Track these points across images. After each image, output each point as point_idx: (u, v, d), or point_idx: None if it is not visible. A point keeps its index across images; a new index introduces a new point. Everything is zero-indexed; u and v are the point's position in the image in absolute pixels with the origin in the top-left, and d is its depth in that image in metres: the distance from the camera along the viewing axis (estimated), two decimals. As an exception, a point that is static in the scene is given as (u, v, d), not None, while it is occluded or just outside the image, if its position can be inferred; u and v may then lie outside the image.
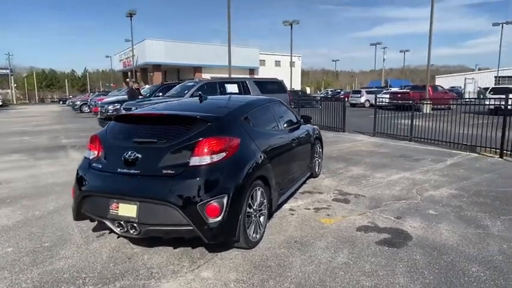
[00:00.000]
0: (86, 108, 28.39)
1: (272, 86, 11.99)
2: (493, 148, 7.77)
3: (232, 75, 21.57)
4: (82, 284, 2.86)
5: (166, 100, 10.06)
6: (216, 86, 10.99)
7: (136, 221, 3.00)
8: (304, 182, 5.47)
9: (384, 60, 57.21)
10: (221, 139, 3.19)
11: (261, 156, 3.57)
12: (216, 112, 3.58)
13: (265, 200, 3.64)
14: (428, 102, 15.37)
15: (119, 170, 3.15)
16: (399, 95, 21.63)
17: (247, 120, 3.76)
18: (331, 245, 3.48)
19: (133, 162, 3.11)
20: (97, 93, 35.46)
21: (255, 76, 41.16)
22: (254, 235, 3.42)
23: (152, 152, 3.14)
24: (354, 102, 29.24)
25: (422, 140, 9.57)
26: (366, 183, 5.66)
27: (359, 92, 31.28)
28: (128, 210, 3.03)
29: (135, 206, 3.01)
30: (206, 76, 37.58)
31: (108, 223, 3.16)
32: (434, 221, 4.04)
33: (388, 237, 3.65)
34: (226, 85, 11.16)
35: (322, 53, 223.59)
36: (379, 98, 12.16)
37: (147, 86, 18.29)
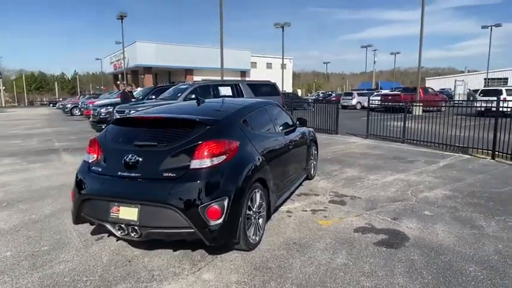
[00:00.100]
0: (76, 111, 28.13)
1: (265, 89, 12.05)
2: (484, 149, 7.92)
3: (224, 78, 21.61)
4: (83, 287, 2.85)
5: (160, 103, 10.06)
6: (210, 89, 11.02)
7: (138, 223, 3.00)
8: (300, 184, 5.51)
9: (374, 63, 57.79)
10: (221, 142, 3.21)
11: (259, 159, 3.60)
12: (215, 115, 3.60)
13: (264, 202, 3.67)
14: (420, 104, 15.57)
15: (119, 173, 3.15)
16: (390, 97, 21.88)
17: (246, 123, 3.79)
18: (329, 246, 3.52)
19: (134, 166, 3.12)
20: (87, 96, 35.15)
21: (247, 78, 41.28)
22: (254, 237, 3.45)
23: (153, 155, 3.15)
24: (345, 104, 29.48)
25: (414, 141, 9.71)
26: (361, 185, 5.72)
27: (350, 94, 31.58)
28: (129, 213, 3.04)
29: (136, 209, 3.02)
30: (197, 78, 37.54)
31: (108, 226, 3.15)
32: (430, 222, 4.11)
33: (385, 238, 3.71)
34: (219, 88, 11.19)
35: (313, 55, 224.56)
36: (372, 100, 12.25)
37: (139, 89, 18.18)
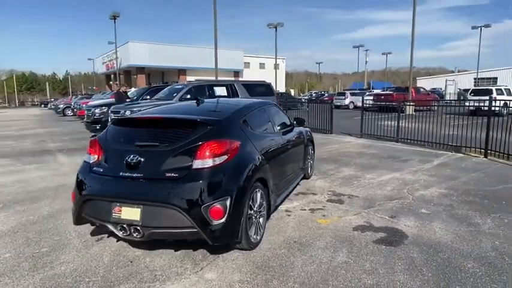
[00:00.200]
0: (69, 112, 27.88)
1: (260, 89, 12.07)
2: (477, 148, 8.05)
3: (218, 78, 21.59)
4: (86, 288, 2.85)
5: (155, 103, 10.03)
6: (205, 89, 11.01)
7: (140, 224, 3.01)
8: (297, 184, 5.54)
9: (366, 63, 58.26)
10: (222, 142, 3.23)
11: (259, 158, 3.63)
12: (216, 115, 3.62)
13: (264, 202, 3.69)
14: (413, 103, 15.73)
15: (121, 173, 3.15)
16: (383, 97, 22.06)
17: (246, 123, 3.82)
18: (330, 245, 3.56)
19: (136, 166, 3.12)
20: (80, 96, 34.84)
21: (240, 78, 41.27)
22: (255, 236, 3.47)
23: (154, 156, 3.16)
24: (338, 104, 29.61)
25: (408, 141, 9.81)
26: (357, 184, 5.78)
27: (343, 94, 31.76)
28: (131, 213, 3.04)
29: (139, 209, 3.02)
30: (191, 78, 37.43)
31: (110, 227, 3.15)
32: (428, 220, 4.17)
33: (384, 236, 3.76)
34: (214, 88, 11.18)
35: (306, 55, 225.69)
36: (366, 100, 12.36)
37: (133, 89, 18.09)
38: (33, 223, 4.30)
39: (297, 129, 5.45)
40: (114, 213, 3.09)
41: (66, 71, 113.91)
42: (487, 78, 50.27)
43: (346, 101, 29.70)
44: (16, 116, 31.27)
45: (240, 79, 39.59)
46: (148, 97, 12.54)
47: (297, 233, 3.86)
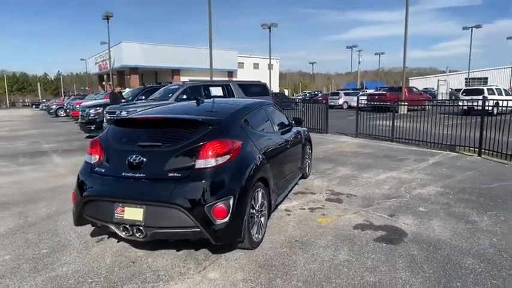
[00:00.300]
0: (61, 112, 27.64)
1: (256, 89, 12.08)
2: (471, 147, 8.15)
3: (212, 78, 21.55)
4: (90, 289, 2.84)
5: (151, 104, 9.99)
6: (201, 89, 10.98)
7: (143, 224, 3.00)
8: (296, 183, 5.57)
9: (359, 63, 58.65)
10: (225, 142, 3.24)
11: (260, 158, 3.64)
12: (217, 115, 3.63)
13: (265, 201, 3.71)
14: (406, 103, 15.86)
15: (123, 173, 3.14)
16: (376, 97, 22.21)
17: (247, 123, 3.83)
18: (331, 243, 3.59)
19: (138, 166, 3.12)
20: (73, 97, 34.54)
21: (234, 79, 41.23)
22: (257, 235, 3.49)
23: (157, 156, 3.16)
24: (332, 104, 29.69)
25: (403, 140, 9.90)
26: (355, 183, 5.82)
27: (337, 94, 31.91)
28: (134, 213, 3.03)
29: (142, 209, 3.02)
30: (184, 79, 37.30)
31: (112, 227, 3.14)
32: (426, 218, 4.22)
33: (384, 234, 3.80)
34: (210, 88, 11.17)
35: (299, 55, 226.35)
36: (361, 100, 12.44)
37: (127, 90, 17.98)
38: (31, 224, 4.27)
39: (295, 129, 5.48)
40: (117, 213, 3.08)
41: (58, 71, 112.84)
42: (478, 78, 50.94)
43: (340, 101, 29.84)
44: (7, 116, 30.92)
45: (234, 79, 39.59)
46: (143, 97, 12.48)
47: (297, 232, 3.88)
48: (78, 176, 3.44)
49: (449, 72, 62.76)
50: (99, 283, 2.92)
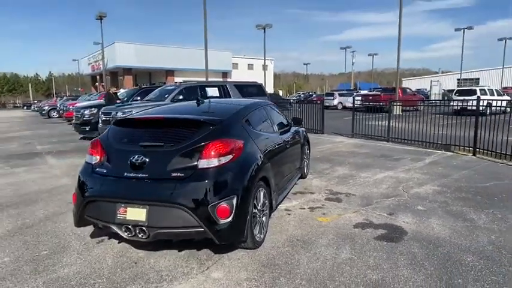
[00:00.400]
0: (54, 114, 27.37)
1: (252, 90, 12.10)
2: (466, 146, 8.24)
3: (204, 79, 21.52)
4: (93, 290, 2.82)
5: (147, 104, 9.94)
6: (197, 90, 10.97)
7: (146, 224, 2.99)
8: (295, 183, 5.58)
9: (353, 64, 58.93)
10: (227, 142, 3.24)
11: (261, 158, 3.65)
12: (219, 115, 3.62)
13: (267, 201, 3.72)
14: (400, 103, 15.97)
15: (125, 174, 3.13)
16: (370, 97, 22.34)
17: (248, 123, 3.84)
18: (332, 242, 3.61)
19: (141, 166, 3.10)
20: (65, 97, 34.23)
21: (228, 79, 41.21)
22: (259, 235, 3.49)
23: (160, 156, 3.15)
24: (327, 104, 29.71)
25: (399, 140, 9.98)
26: (353, 183, 5.85)
27: (332, 94, 32.04)
28: (136, 214, 3.02)
29: (145, 210, 3.01)
30: (178, 79, 37.19)
31: (115, 228, 3.12)
32: (425, 216, 4.27)
33: (384, 232, 3.83)
34: (206, 89, 11.16)
35: (293, 56, 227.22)
36: (357, 100, 12.52)
37: (122, 90, 17.86)
38: (29, 226, 4.22)
39: (293, 129, 5.49)
40: (119, 214, 3.07)
41: (50, 72, 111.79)
42: (470, 79, 51.56)
43: (335, 102, 29.97)
44: (-1, 118, 30.52)
45: (229, 80, 39.55)
46: (138, 98, 12.42)
47: (299, 231, 3.89)
48: (79, 176, 3.41)
49: (442, 73, 63.44)
50: (102, 284, 2.91)
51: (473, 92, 18.51)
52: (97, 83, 50.94)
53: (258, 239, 3.44)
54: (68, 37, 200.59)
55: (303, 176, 6.02)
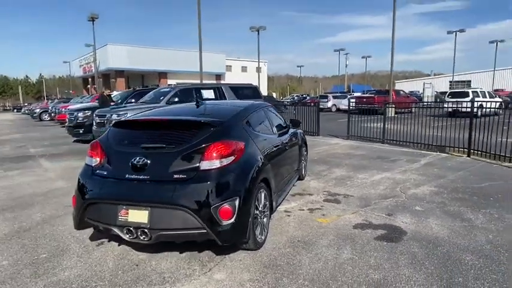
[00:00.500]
0: (46, 116, 27.08)
1: (247, 92, 12.10)
2: (460, 148, 8.34)
3: (199, 81, 21.49)
4: (95, 292, 2.80)
5: (142, 106, 9.90)
6: (192, 92, 10.94)
7: (148, 226, 2.98)
8: (293, 185, 5.60)
9: (346, 66, 59.30)
10: (229, 143, 3.24)
11: (261, 159, 3.66)
12: (220, 116, 3.62)
13: (267, 202, 3.73)
14: (394, 106, 16.11)
15: (127, 175, 3.11)
16: (364, 100, 22.51)
17: (248, 124, 3.84)
18: (333, 243, 3.62)
19: (142, 168, 3.09)
20: (56, 100, 33.89)
21: (222, 82, 41.17)
22: (260, 236, 3.50)
23: (161, 157, 3.14)
24: (321, 106, 29.77)
25: (394, 142, 10.06)
26: (351, 184, 5.89)
27: (326, 97, 32.19)
28: (138, 216, 3.01)
29: (147, 212, 2.99)
30: (172, 82, 37.01)
31: (116, 230, 3.10)
32: (423, 217, 4.31)
33: (384, 233, 3.85)
34: (202, 91, 11.14)
35: (287, 59, 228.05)
36: (352, 102, 12.61)
37: (115, 92, 17.77)
38: (26, 229, 4.17)
39: (291, 131, 5.52)
40: (121, 216, 3.05)
41: (40, 74, 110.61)
42: (462, 82, 52.24)
43: (329, 104, 30.10)
44: (-11, 121, 30.11)
45: (222, 82, 39.51)
46: (133, 100, 12.36)
47: (299, 233, 3.90)
48: (79, 179, 3.38)
49: (434, 75, 64.21)
50: (103, 287, 2.89)
51: (466, 94, 18.77)
52: (89, 86, 50.51)
53: (259, 240, 3.45)
54: (59, 39, 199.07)
55: (301, 178, 6.04)
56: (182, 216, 2.96)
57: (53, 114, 23.51)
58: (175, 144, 3.18)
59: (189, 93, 10.81)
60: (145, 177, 3.07)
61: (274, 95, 60.86)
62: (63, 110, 19.33)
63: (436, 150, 8.77)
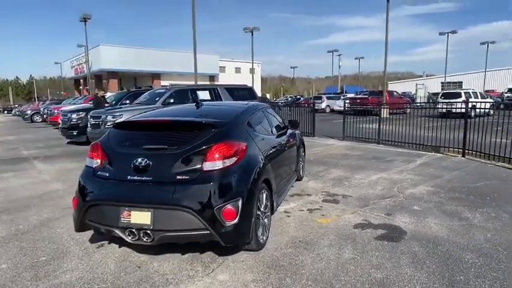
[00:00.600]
0: (37, 118, 26.77)
1: (243, 93, 12.10)
2: (455, 148, 8.44)
3: (192, 82, 21.45)
4: (98, 295, 2.78)
5: (138, 108, 9.85)
6: (188, 93, 10.92)
7: (151, 227, 2.97)
8: (292, 185, 5.61)
9: (339, 67, 59.63)
10: (231, 144, 3.25)
11: (263, 160, 3.67)
12: (221, 118, 3.62)
13: (268, 203, 3.73)
14: (388, 106, 16.24)
15: (129, 177, 3.10)
16: (358, 101, 22.67)
17: (249, 125, 3.85)
18: (334, 243, 3.64)
19: (145, 169, 3.08)
20: (48, 101, 33.53)
21: (215, 83, 41.08)
22: (262, 237, 3.50)
23: (163, 158, 3.13)
24: (315, 107, 30.02)
25: (389, 142, 10.14)
26: (349, 184, 5.92)
27: (320, 98, 32.32)
28: (141, 217, 2.99)
29: (149, 213, 2.98)
30: (165, 83, 36.88)
31: (118, 232, 3.08)
32: (422, 216, 4.35)
33: (384, 232, 3.88)
34: (198, 92, 11.11)
35: (280, 60, 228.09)
36: (347, 103, 12.69)
37: (109, 93, 17.62)
38: (24, 232, 4.13)
39: (289, 132, 5.53)
40: (123, 217, 3.03)
41: (31, 75, 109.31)
42: (453, 83, 52.85)
43: (323, 105, 30.21)
44: (-20, 123, 29.68)
45: (216, 83, 39.45)
46: (127, 101, 12.28)
47: (300, 233, 3.91)
48: (79, 180, 3.36)
49: (426, 76, 64.78)
50: (106, 289, 2.86)
51: (459, 95, 18.98)
52: (81, 87, 50.10)
53: (261, 241, 3.46)
54: (50, 40, 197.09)
55: (299, 178, 6.06)
56: (185, 217, 2.95)
57: (45, 116, 23.21)
58: (178, 145, 3.17)
59: (185, 94, 10.78)
60: (148, 178, 3.06)
61: (267, 95, 60.93)
62: (55, 111, 19.12)
63: (431, 151, 8.86)
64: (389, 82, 64.83)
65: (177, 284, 2.90)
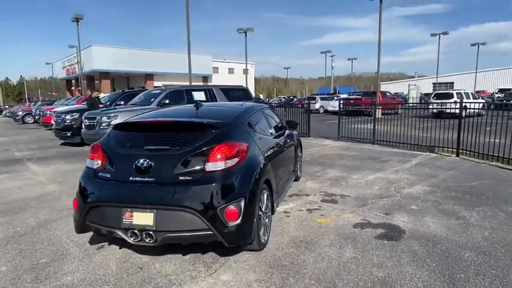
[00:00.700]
0: (29, 119, 26.50)
1: (238, 93, 12.10)
2: (449, 148, 8.54)
3: (185, 83, 21.37)
4: (101, 296, 2.76)
5: (133, 109, 9.81)
6: (183, 94, 10.90)
7: (154, 228, 2.96)
8: (290, 186, 5.63)
9: (332, 68, 59.98)
10: (233, 145, 3.26)
11: (263, 160, 3.68)
12: (222, 118, 3.63)
13: (269, 203, 3.75)
14: (381, 107, 16.37)
15: (131, 178, 3.09)
16: (352, 101, 22.80)
17: (250, 126, 3.86)
18: (335, 242, 3.67)
19: (147, 170, 3.07)
20: (40, 102, 33.18)
21: (209, 83, 40.99)
22: (263, 237, 3.52)
23: (166, 159, 3.12)
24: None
25: (384, 142, 10.23)
26: (346, 184, 5.96)
27: (314, 98, 32.45)
28: (143, 218, 2.98)
29: (152, 214, 2.97)
30: (158, 84, 36.67)
31: (120, 233, 3.07)
32: (420, 215, 4.40)
33: (384, 231, 3.92)
34: (193, 92, 11.10)
35: (273, 60, 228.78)
36: (342, 104, 12.76)
37: (102, 94, 17.50)
38: (22, 234, 4.09)
39: (287, 132, 5.55)
40: (125, 219, 3.02)
41: (21, 76, 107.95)
42: (445, 83, 53.43)
43: (317, 106, 30.33)
44: (-30, 124, 29.23)
45: (210, 83, 39.36)
46: (122, 102, 12.21)
47: (300, 233, 3.93)
48: (80, 182, 3.34)
49: (418, 77, 65.39)
50: (109, 290, 2.85)
51: (451, 96, 19.18)
52: (73, 88, 49.63)
53: (262, 241, 3.47)
54: (41, 40, 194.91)
55: (296, 179, 6.08)
56: (188, 218, 2.95)
57: (37, 117, 22.97)
58: (180, 146, 3.17)
59: (180, 95, 10.76)
60: (150, 179, 3.06)
61: (261, 96, 60.98)
62: (48, 112, 18.95)
63: (425, 151, 8.96)
64: (382, 83, 65.28)
65: (180, 285, 2.90)
